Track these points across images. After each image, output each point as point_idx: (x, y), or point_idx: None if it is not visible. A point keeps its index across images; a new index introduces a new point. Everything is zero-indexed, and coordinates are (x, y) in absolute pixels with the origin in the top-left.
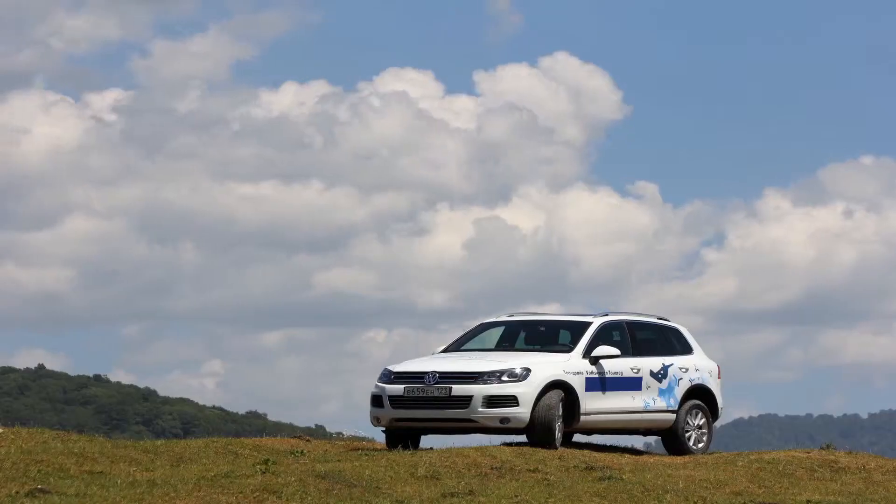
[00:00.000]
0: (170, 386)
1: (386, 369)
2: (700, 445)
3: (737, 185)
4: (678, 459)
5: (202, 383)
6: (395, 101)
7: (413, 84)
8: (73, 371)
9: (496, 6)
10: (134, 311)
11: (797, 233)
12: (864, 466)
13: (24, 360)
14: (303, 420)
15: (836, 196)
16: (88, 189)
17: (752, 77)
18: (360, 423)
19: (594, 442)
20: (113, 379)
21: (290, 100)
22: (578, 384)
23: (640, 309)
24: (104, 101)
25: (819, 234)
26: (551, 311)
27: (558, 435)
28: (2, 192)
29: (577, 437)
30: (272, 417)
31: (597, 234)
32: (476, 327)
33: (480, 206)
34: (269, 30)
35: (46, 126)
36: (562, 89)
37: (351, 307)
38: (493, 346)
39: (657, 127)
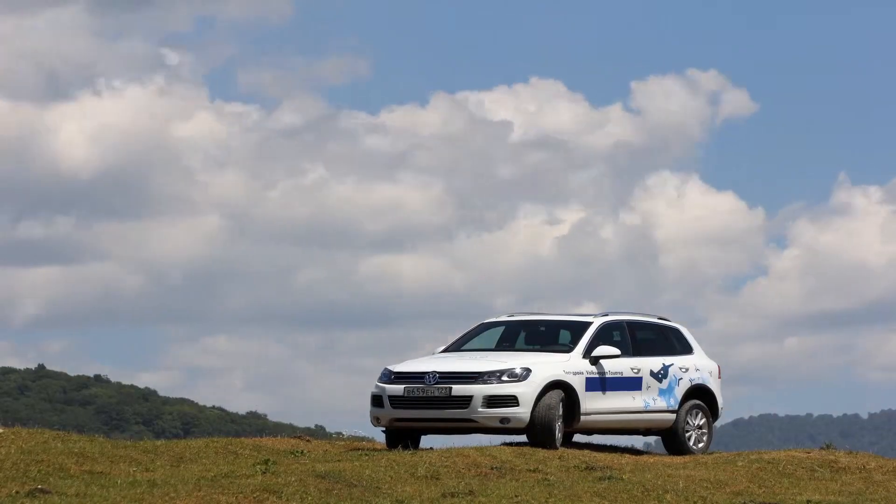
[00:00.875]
0: (197, 389)
1: (386, 369)
2: (700, 445)
3: (827, 184)
4: (678, 459)
5: (258, 385)
6: (514, 108)
7: (539, 92)
8: (119, 374)
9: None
10: (188, 312)
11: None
12: (864, 466)
13: (52, 358)
14: (305, 420)
15: None
16: (189, 189)
17: (841, 74)
18: (361, 424)
19: (594, 442)
20: (152, 383)
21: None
22: (578, 384)
23: (738, 311)
24: (226, 109)
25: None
26: (554, 312)
27: (558, 435)
28: (123, 183)
29: (577, 437)
30: (272, 418)
31: (698, 237)
32: (476, 327)
33: (580, 209)
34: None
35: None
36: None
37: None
38: (493, 346)
39: (775, 126)
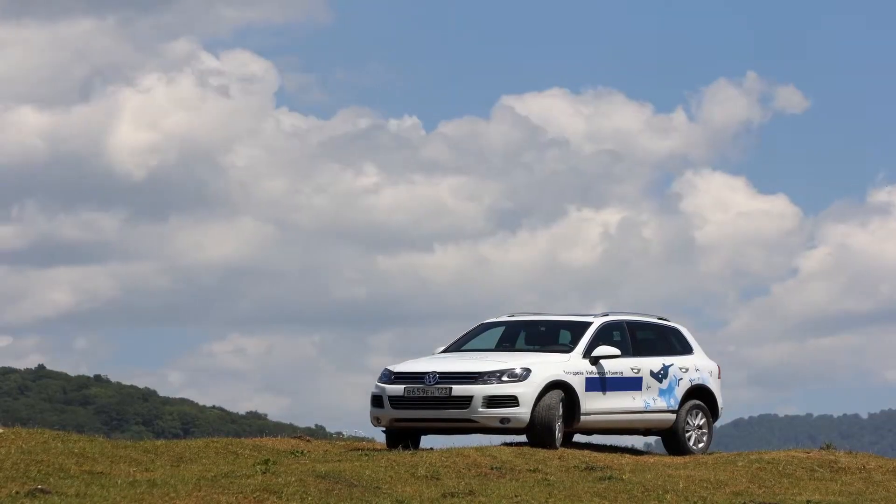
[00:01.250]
0: (210, 396)
1: (386, 369)
2: (700, 445)
3: (865, 183)
4: (678, 459)
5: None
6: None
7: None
8: (126, 375)
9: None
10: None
11: None
12: (864, 466)
13: (74, 358)
14: (305, 420)
15: None
16: (228, 191)
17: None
18: (360, 424)
19: (594, 442)
20: (167, 382)
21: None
22: (578, 384)
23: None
24: (276, 115)
25: None
26: (555, 312)
27: (558, 435)
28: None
29: (577, 437)
30: (272, 418)
31: (742, 236)
32: (476, 327)
33: (624, 211)
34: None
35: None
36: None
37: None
38: (493, 347)
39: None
